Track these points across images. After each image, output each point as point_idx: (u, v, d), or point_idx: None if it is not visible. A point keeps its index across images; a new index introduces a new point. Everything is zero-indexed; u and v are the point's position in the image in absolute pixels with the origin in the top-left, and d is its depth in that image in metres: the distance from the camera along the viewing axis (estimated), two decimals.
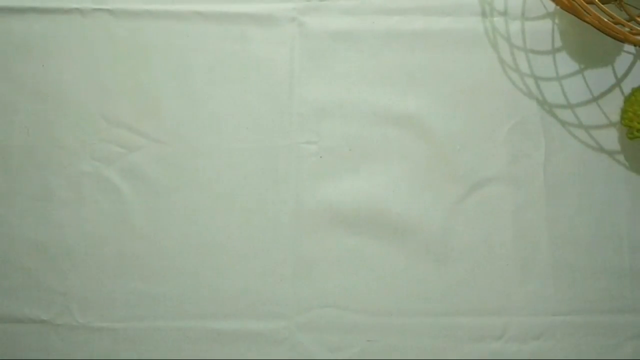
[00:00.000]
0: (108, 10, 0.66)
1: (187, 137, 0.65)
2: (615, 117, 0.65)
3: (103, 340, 0.63)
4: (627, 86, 0.65)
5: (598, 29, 0.57)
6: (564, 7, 0.60)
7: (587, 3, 0.55)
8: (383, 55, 0.65)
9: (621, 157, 0.65)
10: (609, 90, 0.65)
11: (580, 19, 0.58)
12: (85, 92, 0.65)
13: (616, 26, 0.56)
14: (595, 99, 0.65)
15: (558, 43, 0.66)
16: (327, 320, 0.62)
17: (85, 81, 0.66)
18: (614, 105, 0.65)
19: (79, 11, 0.66)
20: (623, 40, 0.57)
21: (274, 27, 0.66)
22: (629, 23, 0.58)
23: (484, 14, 0.66)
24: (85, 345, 0.62)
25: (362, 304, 0.62)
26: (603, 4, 0.57)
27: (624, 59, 0.66)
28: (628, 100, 0.64)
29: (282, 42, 0.66)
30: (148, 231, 0.64)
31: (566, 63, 0.66)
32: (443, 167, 0.64)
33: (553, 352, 0.62)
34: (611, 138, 0.65)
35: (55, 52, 0.66)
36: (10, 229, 0.64)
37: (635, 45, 0.63)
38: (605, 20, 0.55)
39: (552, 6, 0.66)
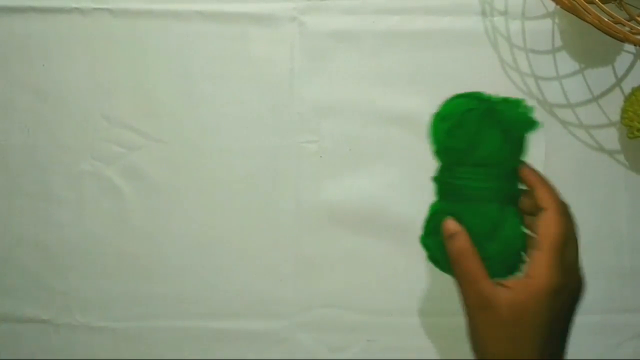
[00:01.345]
0: (108, 10, 0.66)
1: (187, 137, 0.65)
2: (615, 116, 0.65)
3: (103, 340, 0.63)
4: (627, 86, 0.65)
5: (598, 29, 0.57)
6: (564, 7, 0.60)
7: (588, 2, 0.55)
8: (383, 55, 0.65)
9: (621, 157, 0.65)
10: (609, 90, 0.65)
11: (581, 19, 0.58)
12: (85, 92, 0.65)
13: (616, 26, 0.55)
14: (595, 99, 0.65)
15: (558, 43, 0.66)
16: (327, 320, 0.62)
17: (85, 81, 0.66)
18: (614, 105, 0.65)
19: (79, 11, 0.66)
20: (623, 39, 0.57)
21: (274, 27, 0.66)
22: (629, 22, 0.58)
23: (484, 14, 0.66)
24: (85, 345, 0.63)
25: (362, 304, 0.62)
26: (603, 3, 0.57)
27: (624, 59, 0.66)
28: (628, 99, 0.63)
29: (282, 42, 0.66)
30: (148, 231, 0.64)
31: (566, 63, 0.66)
32: None
33: None
34: (611, 138, 0.65)
35: (55, 52, 0.66)
36: (10, 229, 0.64)
37: (635, 45, 0.63)
38: (606, 19, 0.55)
39: (552, 6, 0.66)
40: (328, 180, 0.64)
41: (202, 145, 0.65)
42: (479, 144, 0.46)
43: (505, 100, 0.48)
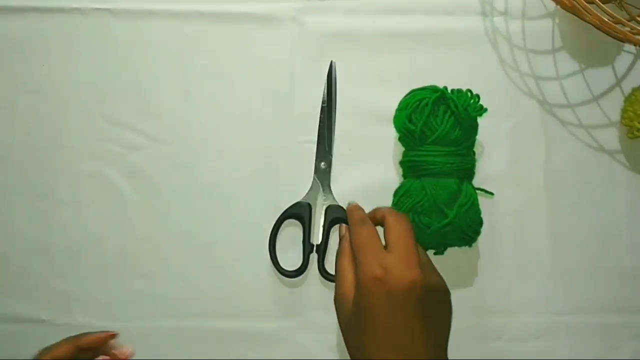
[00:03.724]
0: (108, 10, 0.66)
1: (187, 137, 0.65)
2: (615, 117, 0.65)
3: None
4: (627, 86, 0.65)
5: (598, 29, 0.57)
6: (564, 7, 0.60)
7: (588, 3, 0.55)
8: (383, 55, 0.65)
9: (621, 157, 0.65)
10: (609, 90, 0.65)
11: (581, 19, 0.58)
12: (85, 92, 0.65)
13: (616, 26, 0.56)
14: (595, 99, 0.65)
15: (558, 43, 0.66)
16: (327, 320, 0.62)
17: (85, 81, 0.65)
18: (614, 105, 0.65)
19: (79, 11, 0.66)
20: (623, 39, 0.57)
21: (274, 27, 0.66)
22: (629, 22, 0.58)
23: (484, 14, 0.66)
24: None
25: None
26: (603, 3, 0.57)
27: (624, 59, 0.66)
28: (628, 99, 0.63)
29: (282, 42, 0.66)
30: (148, 231, 0.64)
31: (566, 63, 0.66)
32: None
33: (553, 352, 0.62)
34: (611, 138, 0.65)
35: (55, 52, 0.66)
36: (10, 229, 0.64)
37: (635, 45, 0.63)
38: (606, 19, 0.55)
39: (552, 6, 0.66)
40: None
41: (202, 145, 0.65)
42: (434, 126, 0.56)
43: (456, 91, 0.58)
